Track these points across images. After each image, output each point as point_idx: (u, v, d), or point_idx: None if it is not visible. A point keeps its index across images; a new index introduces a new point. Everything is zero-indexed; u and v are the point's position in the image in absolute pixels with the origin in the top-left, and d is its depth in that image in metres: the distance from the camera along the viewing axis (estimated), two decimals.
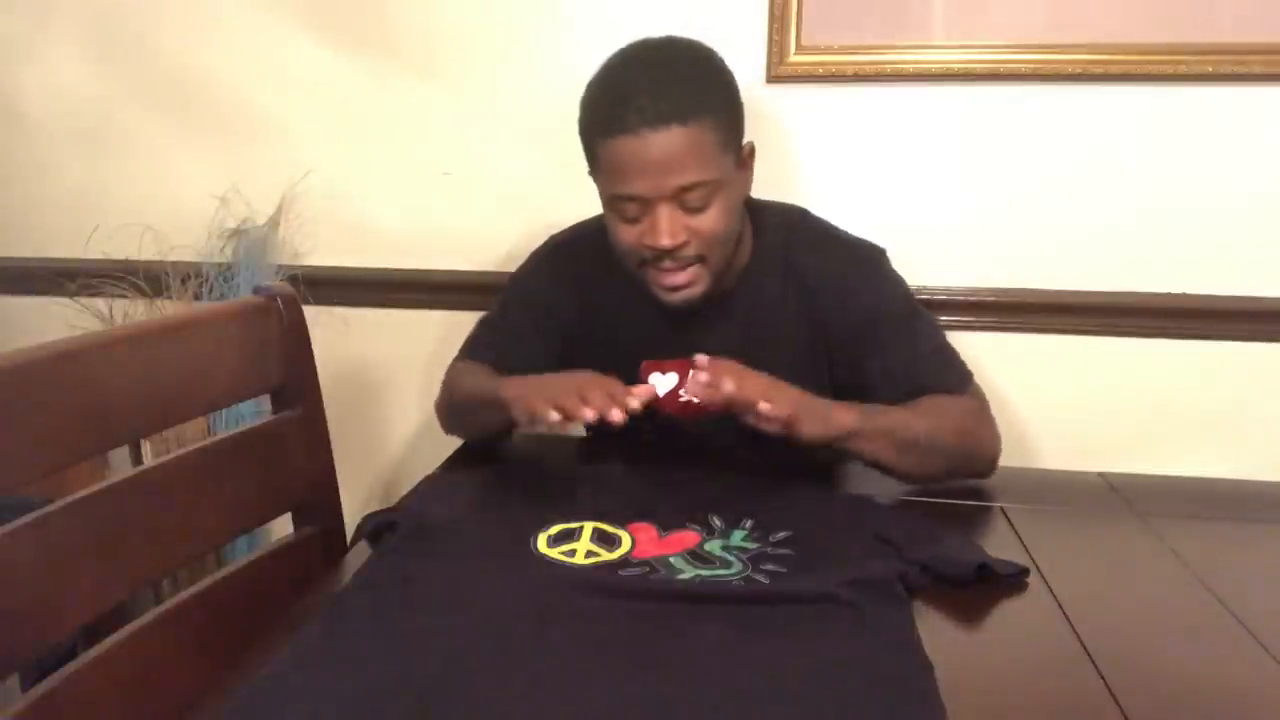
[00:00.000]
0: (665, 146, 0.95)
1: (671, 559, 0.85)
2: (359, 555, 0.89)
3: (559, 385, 0.95)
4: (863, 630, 0.72)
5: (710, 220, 0.99)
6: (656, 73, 0.98)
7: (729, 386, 0.89)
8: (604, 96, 1.00)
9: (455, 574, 0.82)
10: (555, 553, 0.86)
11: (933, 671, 0.67)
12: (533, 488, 1.03)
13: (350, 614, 0.76)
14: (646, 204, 0.98)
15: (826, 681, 0.66)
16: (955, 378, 1.08)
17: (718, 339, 1.10)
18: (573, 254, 1.18)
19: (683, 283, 1.02)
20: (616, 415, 0.89)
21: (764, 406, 0.90)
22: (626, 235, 1.01)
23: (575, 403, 0.90)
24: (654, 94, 0.95)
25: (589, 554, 0.86)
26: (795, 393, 0.95)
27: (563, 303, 1.16)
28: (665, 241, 0.97)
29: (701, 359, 0.94)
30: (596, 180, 1.05)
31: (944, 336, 1.11)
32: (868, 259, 1.11)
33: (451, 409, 1.17)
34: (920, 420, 1.00)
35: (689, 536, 0.89)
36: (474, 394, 1.11)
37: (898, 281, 1.11)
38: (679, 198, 0.97)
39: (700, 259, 1.01)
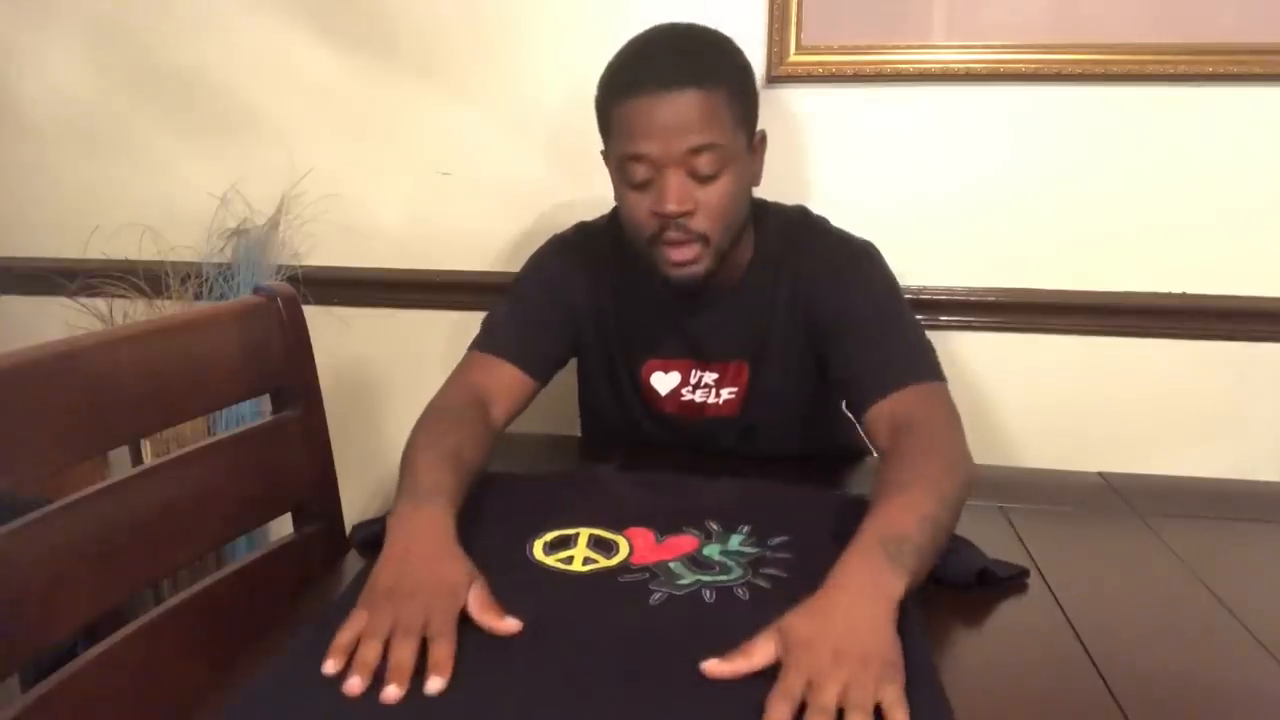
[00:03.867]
0: (678, 108, 0.95)
1: (670, 564, 0.83)
2: (359, 556, 0.89)
3: (409, 611, 0.71)
4: None
5: (718, 193, 0.98)
6: (676, 42, 1.01)
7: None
8: (622, 63, 1.01)
9: None
10: (552, 560, 0.84)
11: (936, 671, 0.67)
12: (527, 493, 1.02)
13: (350, 615, 0.76)
14: (656, 169, 0.97)
15: None
16: (927, 371, 1.00)
17: (721, 335, 1.11)
18: (581, 246, 1.17)
19: (686, 259, 1.00)
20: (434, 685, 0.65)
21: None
22: (637, 207, 1.00)
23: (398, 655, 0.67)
24: (672, 59, 0.98)
25: (586, 560, 0.84)
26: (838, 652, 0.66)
27: (577, 292, 1.15)
28: (672, 206, 0.96)
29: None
30: (610, 152, 1.03)
31: (924, 334, 1.06)
32: (857, 252, 1.10)
33: (413, 431, 0.98)
34: (926, 524, 0.77)
35: (686, 541, 0.88)
36: (410, 464, 0.91)
37: (885, 275, 1.09)
38: (689, 164, 0.96)
39: (704, 238, 0.99)
